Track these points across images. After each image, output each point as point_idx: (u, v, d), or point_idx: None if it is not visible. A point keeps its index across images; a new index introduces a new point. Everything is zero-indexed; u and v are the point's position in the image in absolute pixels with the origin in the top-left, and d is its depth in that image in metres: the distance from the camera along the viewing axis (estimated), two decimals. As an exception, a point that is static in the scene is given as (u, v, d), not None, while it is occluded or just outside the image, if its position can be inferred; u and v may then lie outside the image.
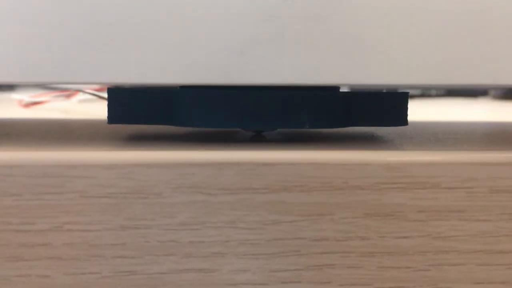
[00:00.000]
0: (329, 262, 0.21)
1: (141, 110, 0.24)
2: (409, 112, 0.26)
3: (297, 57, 0.22)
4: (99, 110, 0.41)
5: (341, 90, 0.25)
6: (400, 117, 0.25)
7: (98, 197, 0.21)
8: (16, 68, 0.22)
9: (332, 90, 0.24)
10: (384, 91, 0.25)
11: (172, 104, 0.24)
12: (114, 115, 0.24)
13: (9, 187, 0.20)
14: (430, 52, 0.22)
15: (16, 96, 0.50)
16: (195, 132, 0.28)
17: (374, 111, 0.25)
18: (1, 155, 0.21)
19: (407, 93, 0.25)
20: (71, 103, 0.49)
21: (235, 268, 0.21)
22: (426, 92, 0.72)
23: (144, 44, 0.22)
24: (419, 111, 0.45)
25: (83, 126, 0.32)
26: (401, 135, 0.27)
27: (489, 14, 0.22)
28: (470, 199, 0.21)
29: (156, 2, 0.22)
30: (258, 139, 0.25)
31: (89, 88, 0.44)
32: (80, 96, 0.49)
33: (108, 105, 0.24)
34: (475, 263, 0.21)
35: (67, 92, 0.47)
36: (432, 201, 0.21)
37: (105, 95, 0.38)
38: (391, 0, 0.22)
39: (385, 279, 0.21)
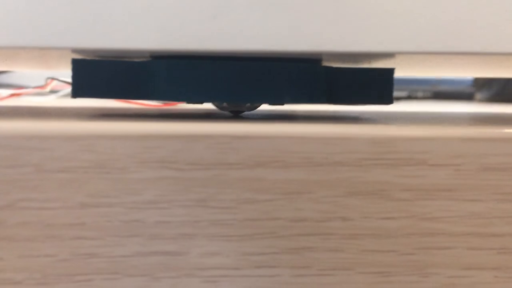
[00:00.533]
0: (308, 245, 0.20)
1: (108, 83, 0.22)
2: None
3: (275, 21, 0.20)
4: (74, 103, 0.40)
5: (323, 64, 0.24)
6: (385, 95, 0.24)
7: (56, 171, 0.19)
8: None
9: (314, 63, 0.23)
10: (368, 67, 0.24)
11: (141, 77, 0.22)
12: (79, 88, 0.22)
13: (-44, 160, 0.18)
14: (420, 16, 0.20)
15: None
16: (167, 112, 0.26)
17: (357, 87, 0.23)
18: (-52, 124, 0.19)
19: (393, 69, 0.24)
20: (49, 99, 0.47)
21: (205, 251, 0.19)
22: (413, 95, 0.72)
23: (111, 5, 0.20)
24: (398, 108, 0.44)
25: (48, 109, 0.30)
26: (386, 116, 0.26)
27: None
28: (459, 177, 0.20)
29: (123, -39, 0.20)
30: (233, 118, 0.24)
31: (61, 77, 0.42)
32: (59, 92, 0.47)
33: (73, 77, 0.22)
34: (464, 246, 0.20)
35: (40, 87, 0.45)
36: (418, 179, 0.20)
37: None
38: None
39: (368, 264, 0.20)
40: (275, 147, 0.19)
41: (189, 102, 0.23)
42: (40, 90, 0.44)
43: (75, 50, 0.21)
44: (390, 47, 0.20)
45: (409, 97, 0.70)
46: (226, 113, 0.26)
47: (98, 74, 0.22)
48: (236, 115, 0.25)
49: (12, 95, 0.44)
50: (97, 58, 0.23)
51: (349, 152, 0.19)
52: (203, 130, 0.19)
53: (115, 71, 0.22)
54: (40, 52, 0.23)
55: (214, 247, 0.19)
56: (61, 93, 0.49)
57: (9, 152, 0.19)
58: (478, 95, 0.68)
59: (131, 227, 0.19)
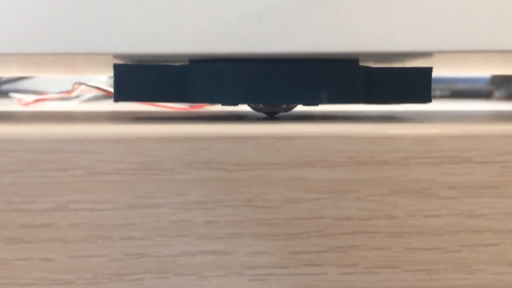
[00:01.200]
0: (354, 243, 0.20)
1: (149, 87, 0.22)
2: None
3: (316, 24, 0.20)
4: (103, 107, 0.40)
5: (361, 64, 0.24)
6: (424, 94, 0.24)
7: (106, 173, 0.19)
8: (23, 38, 0.20)
9: (352, 63, 0.23)
10: (406, 66, 0.24)
11: (181, 80, 0.22)
12: (121, 92, 0.23)
13: (10, 163, 0.19)
14: (456, 15, 0.20)
15: (16, 95, 0.48)
16: (205, 114, 0.26)
17: (396, 86, 0.23)
18: (0, 129, 0.19)
19: (431, 68, 0.24)
20: (72, 103, 0.47)
21: (252, 250, 0.20)
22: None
23: (153, 9, 0.20)
24: (430, 107, 0.44)
25: (86, 114, 0.31)
26: (424, 115, 0.26)
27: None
28: (505, 174, 0.20)
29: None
30: (273, 119, 0.24)
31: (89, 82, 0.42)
32: (82, 97, 0.48)
33: (115, 82, 0.23)
34: (510, 243, 0.20)
35: (66, 92, 0.46)
36: (463, 177, 0.20)
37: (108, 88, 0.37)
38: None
39: (414, 261, 0.20)
40: (320, 146, 0.19)
41: (226, 104, 0.23)
42: (66, 95, 0.44)
43: (116, 56, 0.21)
44: (428, 47, 0.20)
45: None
46: (261, 114, 0.26)
47: (139, 78, 0.23)
48: (271, 116, 0.25)
49: (37, 100, 0.44)
50: (137, 63, 0.23)
51: (393, 151, 0.20)
52: (249, 131, 0.19)
53: (155, 75, 0.23)
54: (73, 57, 0.23)
55: (261, 246, 0.20)
56: (84, 97, 0.49)
57: (61, 155, 0.19)
58: (497, 93, 0.67)
59: (179, 227, 0.19)
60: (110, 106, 0.42)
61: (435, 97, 0.70)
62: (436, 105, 0.46)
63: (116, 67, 0.22)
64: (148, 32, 0.20)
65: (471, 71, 0.32)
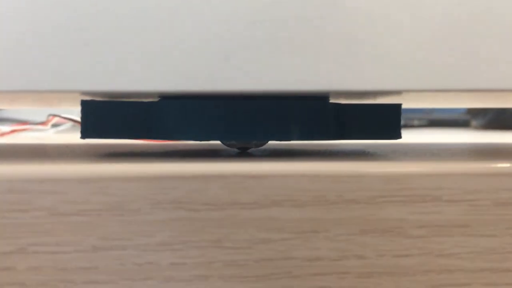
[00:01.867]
0: (324, 284, 0.19)
1: (117, 124, 0.22)
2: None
3: (286, 63, 0.20)
4: (75, 138, 0.40)
5: (331, 101, 0.24)
6: (394, 130, 0.24)
7: (69, 214, 0.19)
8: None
9: (322, 100, 0.23)
10: (376, 103, 0.24)
11: (150, 117, 0.22)
12: (88, 129, 0.22)
13: (-32, 205, 0.18)
14: (426, 55, 0.20)
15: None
16: (176, 149, 0.26)
17: (366, 123, 0.23)
18: (-41, 169, 0.18)
19: (400, 104, 0.24)
20: (47, 133, 0.47)
21: (221, 292, 0.19)
22: (409, 123, 0.72)
23: (121, 48, 0.20)
24: (403, 140, 0.44)
25: (55, 147, 0.30)
26: (394, 150, 0.26)
27: (486, 15, 0.20)
28: (474, 212, 0.20)
29: (135, 3, 0.20)
30: (244, 156, 0.24)
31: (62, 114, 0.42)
32: (58, 127, 0.47)
33: (82, 118, 0.22)
34: (481, 282, 0.20)
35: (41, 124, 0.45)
36: (433, 215, 0.20)
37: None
38: (383, 1, 0.20)
39: (385, 302, 0.19)
40: (289, 185, 0.19)
41: (198, 140, 0.23)
42: (41, 126, 0.43)
43: (84, 93, 0.21)
44: (398, 86, 0.20)
45: (405, 126, 0.70)
46: (233, 150, 0.26)
47: (108, 114, 0.22)
48: (243, 152, 0.25)
49: (13, 131, 0.44)
50: (106, 99, 0.23)
51: (362, 190, 0.19)
52: (217, 170, 0.19)
53: (124, 111, 0.22)
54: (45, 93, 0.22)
55: (229, 288, 0.19)
56: (60, 128, 0.49)
57: (22, 196, 0.18)
58: (474, 123, 0.69)
59: (144, 269, 0.19)
60: (86, 139, 0.41)
61: (413, 126, 0.71)
62: (412, 136, 0.46)
63: (84, 103, 0.22)
64: (115, 69, 0.20)
65: (442, 105, 0.32)
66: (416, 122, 0.73)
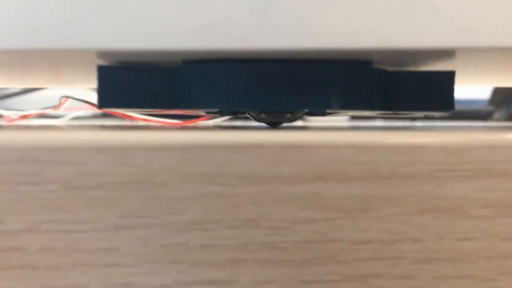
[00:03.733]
0: (374, 271, 0.17)
1: (137, 91, 0.20)
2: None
3: (327, 17, 0.18)
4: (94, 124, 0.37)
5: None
6: (446, 100, 0.21)
7: (86, 188, 0.16)
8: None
9: (366, 65, 0.20)
10: (427, 70, 0.21)
11: (174, 83, 0.20)
12: (106, 97, 0.20)
13: (-27, 176, 0.16)
14: (483, 8, 0.18)
15: (3, 112, 0.45)
16: (203, 125, 0.24)
17: (415, 92, 0.21)
18: (-36, 136, 0.16)
19: (453, 72, 0.21)
20: (61, 121, 0.44)
21: (257, 278, 0.17)
22: (429, 115, 0.69)
23: (141, 1, 0.17)
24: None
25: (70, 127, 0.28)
26: (450, 126, 0.23)
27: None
28: (547, 190, 0.17)
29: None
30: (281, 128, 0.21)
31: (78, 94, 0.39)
32: (71, 114, 0.45)
33: (98, 86, 0.20)
34: (555, 270, 0.17)
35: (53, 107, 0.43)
36: (500, 193, 0.17)
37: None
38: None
39: (444, 292, 0.17)
40: (335, 157, 0.17)
41: (224, 110, 0.21)
42: (53, 111, 0.40)
43: (100, 54, 0.19)
44: (450, 43, 0.18)
45: (426, 117, 0.67)
46: (263, 125, 0.23)
47: (126, 81, 0.20)
48: (274, 127, 0.22)
49: (22, 116, 0.41)
50: (124, 65, 0.21)
51: (420, 163, 0.17)
52: (253, 139, 0.17)
53: (144, 77, 0.20)
54: (57, 63, 0.20)
55: (267, 274, 0.17)
56: (74, 115, 0.46)
57: (33, 167, 0.16)
58: (497, 114, 0.65)
59: (172, 252, 0.16)
60: (106, 122, 0.39)
61: (433, 118, 0.68)
62: (431, 124, 0.43)
63: (100, 69, 0.20)
64: (134, 26, 0.18)
65: (495, 81, 0.29)
66: (437, 114, 0.70)
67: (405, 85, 0.21)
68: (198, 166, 0.16)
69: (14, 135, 0.16)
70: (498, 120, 0.64)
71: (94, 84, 0.20)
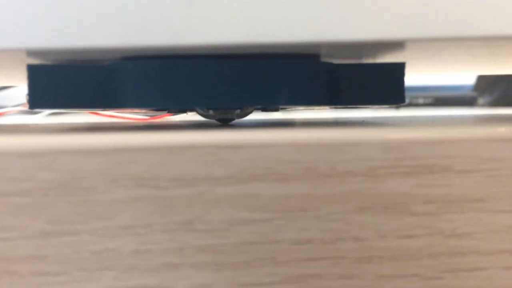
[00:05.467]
0: (315, 271, 0.16)
1: (69, 91, 0.19)
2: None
3: (269, 9, 0.17)
4: (68, 120, 0.36)
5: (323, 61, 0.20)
6: (396, 93, 0.20)
7: (9, 195, 0.15)
8: None
9: (313, 58, 0.19)
10: (376, 62, 0.20)
11: (109, 82, 0.19)
12: (37, 97, 0.19)
13: None
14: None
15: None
16: (139, 123, 0.23)
17: (364, 85, 0.20)
18: None
19: (404, 63, 0.20)
20: (39, 117, 0.43)
21: (193, 283, 0.16)
22: (413, 102, 0.68)
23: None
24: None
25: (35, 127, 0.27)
26: (395, 120, 0.23)
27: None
28: (491, 184, 0.16)
29: None
30: (221, 128, 0.20)
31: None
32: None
33: (29, 86, 0.19)
34: (500, 266, 0.16)
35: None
36: (443, 189, 0.16)
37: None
38: None
39: (387, 291, 0.16)
40: (271, 156, 0.16)
41: (168, 109, 0.20)
42: (23, 108, 0.39)
43: (30, 53, 0.18)
44: (399, 34, 0.17)
45: (410, 104, 0.67)
46: (213, 122, 0.22)
47: (58, 80, 0.19)
48: (224, 124, 0.21)
49: None
50: (55, 63, 0.19)
51: (359, 160, 0.16)
52: (184, 141, 0.16)
53: (77, 76, 0.19)
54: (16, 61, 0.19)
55: (204, 278, 0.16)
56: (48, 111, 0.45)
57: (-47, 174, 0.15)
58: (481, 100, 0.65)
59: (103, 258, 0.16)
60: (79, 119, 0.38)
61: (418, 105, 0.67)
62: (415, 112, 0.43)
63: (30, 68, 0.19)
64: (64, 23, 0.17)
65: (449, 69, 0.29)
66: (421, 101, 0.69)
67: (354, 78, 0.20)
68: (128, 169, 0.15)
69: None
70: (482, 106, 0.63)
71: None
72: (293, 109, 0.24)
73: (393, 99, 0.20)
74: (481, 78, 0.66)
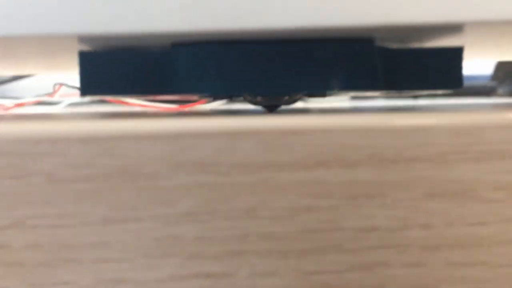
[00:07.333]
0: (381, 259, 0.15)
1: (121, 78, 0.18)
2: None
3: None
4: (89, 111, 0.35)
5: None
6: (454, 78, 0.19)
7: (71, 181, 0.15)
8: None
9: (367, 43, 0.19)
10: (432, 47, 0.19)
11: (161, 68, 0.18)
12: (89, 84, 0.18)
13: (-49, 171, 0.15)
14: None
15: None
16: (197, 111, 0.22)
17: (421, 70, 0.19)
18: None
19: (462, 48, 0.19)
20: (58, 108, 0.43)
21: (256, 271, 0.15)
22: (432, 92, 0.67)
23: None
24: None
25: (58, 114, 0.26)
26: (457, 106, 0.22)
27: None
28: None
29: None
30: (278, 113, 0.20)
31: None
32: (67, 100, 0.43)
33: (80, 73, 0.18)
34: None
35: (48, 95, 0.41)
36: (514, 175, 0.15)
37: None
38: None
39: (456, 280, 0.15)
40: (337, 142, 0.15)
41: (217, 94, 0.19)
42: (48, 98, 0.39)
43: (82, 39, 0.17)
44: (456, 17, 0.16)
45: (429, 95, 0.65)
46: (260, 108, 0.22)
47: (110, 67, 0.18)
48: (271, 110, 0.21)
49: (17, 105, 0.40)
50: (107, 50, 0.19)
51: (427, 145, 0.15)
52: (248, 126, 0.15)
53: (129, 63, 0.18)
54: (48, 49, 0.19)
55: (267, 266, 0.15)
56: (71, 101, 0.44)
57: (14, 160, 0.15)
58: (500, 90, 0.64)
59: (165, 245, 0.15)
60: (100, 109, 0.37)
61: (436, 95, 0.66)
62: (435, 102, 0.42)
63: (82, 55, 0.18)
64: (116, 9, 0.16)
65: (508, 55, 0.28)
66: (439, 91, 0.68)
67: (410, 63, 0.19)
68: (191, 154, 0.15)
69: (-7, 126, 0.15)
70: (501, 95, 0.62)
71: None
72: (343, 94, 0.23)
73: (450, 84, 0.19)
74: (499, 68, 0.64)
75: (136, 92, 0.18)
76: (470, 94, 0.65)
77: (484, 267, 0.16)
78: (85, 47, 0.19)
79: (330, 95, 0.20)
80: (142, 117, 0.16)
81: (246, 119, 0.15)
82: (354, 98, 0.47)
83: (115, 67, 0.18)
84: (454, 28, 0.18)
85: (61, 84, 0.37)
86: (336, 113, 0.16)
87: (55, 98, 0.37)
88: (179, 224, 0.15)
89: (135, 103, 0.29)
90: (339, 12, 0.16)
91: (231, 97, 0.21)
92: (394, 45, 0.20)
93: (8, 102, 0.40)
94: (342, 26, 0.16)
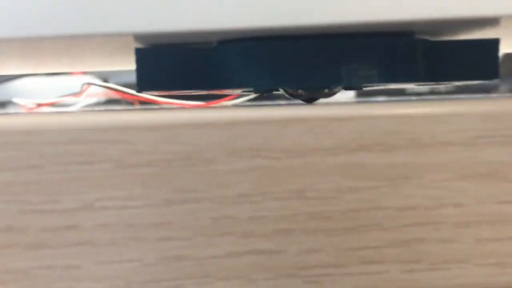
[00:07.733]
0: (418, 236, 0.17)
1: (176, 73, 0.19)
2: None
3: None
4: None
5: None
6: (491, 69, 0.21)
7: (137, 166, 0.16)
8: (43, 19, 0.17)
9: (407, 36, 0.20)
10: (471, 38, 0.21)
11: (211, 64, 0.19)
12: (145, 80, 0.20)
13: (28, 158, 0.16)
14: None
15: (20, 101, 0.44)
16: (242, 103, 0.24)
17: (459, 61, 0.20)
18: (16, 119, 0.16)
19: (498, 39, 0.21)
20: (80, 108, 0.43)
21: (304, 248, 0.17)
22: (435, 89, 0.68)
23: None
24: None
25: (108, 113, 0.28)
26: (483, 96, 0.23)
27: None
28: None
29: None
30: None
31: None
32: (88, 101, 0.44)
33: (137, 69, 0.20)
34: None
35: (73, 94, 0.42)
36: (538, 157, 0.17)
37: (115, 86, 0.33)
38: None
39: (485, 254, 0.17)
40: (377, 128, 0.17)
41: (260, 89, 0.20)
42: (74, 98, 0.39)
43: (137, 37, 0.19)
44: (495, 11, 0.18)
45: (432, 92, 0.66)
46: (299, 101, 0.23)
47: (166, 63, 0.20)
48: (309, 103, 0.22)
49: (40, 105, 0.40)
50: (161, 47, 0.20)
51: (459, 130, 0.17)
52: (296, 114, 0.16)
53: (181, 59, 0.20)
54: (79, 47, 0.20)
55: (315, 243, 0.17)
56: (92, 101, 0.44)
57: (85, 147, 0.16)
58: (502, 88, 0.65)
59: (221, 224, 0.16)
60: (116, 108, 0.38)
61: (440, 93, 0.67)
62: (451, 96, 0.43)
63: (138, 52, 0.19)
64: (169, 8, 0.17)
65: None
66: (443, 88, 0.69)
67: (449, 55, 0.20)
68: (245, 141, 0.16)
69: (65, 118, 0.16)
70: (503, 93, 0.63)
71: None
72: (380, 87, 0.24)
73: (487, 75, 0.21)
74: (501, 65, 0.66)
75: (187, 87, 0.19)
76: (472, 91, 0.66)
77: (511, 242, 0.17)
78: (139, 45, 0.20)
79: (366, 87, 0.22)
80: (200, 108, 0.17)
81: (294, 108, 0.17)
82: (359, 94, 0.48)
83: (171, 63, 0.19)
84: (491, 21, 0.19)
85: (89, 84, 0.38)
86: (373, 103, 0.18)
87: (80, 98, 0.38)
88: (234, 205, 0.16)
89: (160, 101, 0.30)
90: (381, 6, 0.18)
91: (271, 91, 0.22)
92: (433, 38, 0.21)
93: (29, 103, 0.41)
94: (383, 20, 0.18)
